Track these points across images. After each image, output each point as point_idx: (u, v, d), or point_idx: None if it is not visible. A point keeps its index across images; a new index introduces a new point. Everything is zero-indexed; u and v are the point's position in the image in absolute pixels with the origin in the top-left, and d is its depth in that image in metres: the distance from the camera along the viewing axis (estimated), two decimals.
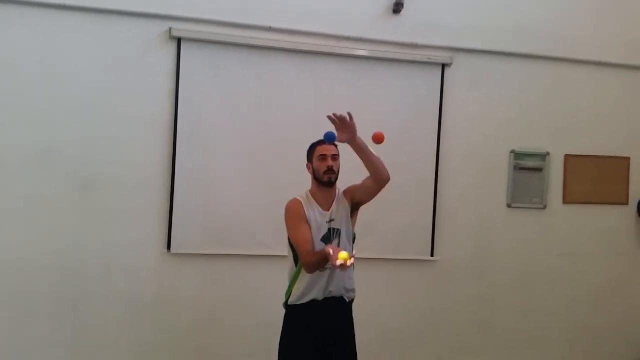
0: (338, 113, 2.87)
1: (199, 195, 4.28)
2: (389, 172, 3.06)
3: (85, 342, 4.15)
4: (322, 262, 2.90)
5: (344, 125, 2.90)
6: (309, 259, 2.95)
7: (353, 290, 3.21)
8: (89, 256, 4.14)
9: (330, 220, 3.11)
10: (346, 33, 4.52)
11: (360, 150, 2.97)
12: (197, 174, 4.28)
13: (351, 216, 3.19)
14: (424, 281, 4.76)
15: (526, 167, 4.95)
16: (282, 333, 3.17)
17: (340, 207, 3.16)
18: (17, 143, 4.00)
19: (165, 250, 4.25)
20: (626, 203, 5.15)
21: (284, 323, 3.18)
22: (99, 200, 4.14)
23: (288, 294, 3.15)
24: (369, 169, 3.03)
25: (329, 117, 2.90)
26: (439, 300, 4.79)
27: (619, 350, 5.15)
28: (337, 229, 3.13)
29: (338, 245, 3.09)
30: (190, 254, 4.29)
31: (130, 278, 4.21)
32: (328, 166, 3.09)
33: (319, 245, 3.07)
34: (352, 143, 2.94)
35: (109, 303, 4.17)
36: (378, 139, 2.93)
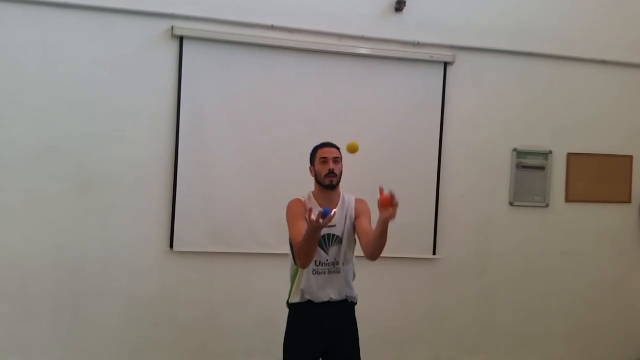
0: (392, 192, 2.73)
1: (201, 193, 4.29)
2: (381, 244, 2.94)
3: (86, 340, 4.16)
4: (309, 242, 2.83)
5: (391, 204, 2.78)
6: (297, 247, 2.92)
7: (354, 297, 3.21)
8: (91, 254, 4.15)
9: (330, 226, 3.04)
10: (348, 31, 4.52)
11: (383, 229, 2.84)
12: (200, 172, 4.28)
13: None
14: (425, 279, 4.76)
15: (528, 165, 4.94)
16: (285, 331, 3.18)
17: (344, 214, 3.13)
18: (19, 140, 4.02)
19: (168, 248, 4.26)
20: (629, 201, 5.14)
21: (287, 322, 3.19)
22: (101, 198, 4.15)
23: (289, 293, 3.17)
24: (371, 242, 2.93)
25: (380, 187, 2.78)
26: (440, 299, 4.79)
27: (619, 349, 5.14)
28: (337, 236, 3.10)
29: (338, 252, 3.09)
30: (193, 252, 4.30)
31: (132, 276, 4.22)
32: (329, 169, 3.07)
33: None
34: (384, 222, 2.81)
35: (110, 301, 4.19)
36: (385, 203, 2.77)
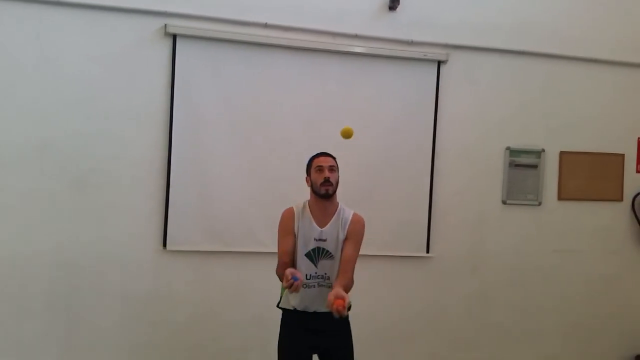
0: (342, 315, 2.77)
1: (194, 192, 4.27)
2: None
3: (80, 339, 4.14)
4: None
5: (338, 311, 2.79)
6: (279, 271, 3.02)
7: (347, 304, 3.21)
8: (84, 253, 4.12)
9: (320, 240, 3.07)
10: (342, 30, 4.51)
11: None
12: (193, 171, 4.27)
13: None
14: (419, 278, 4.77)
15: (521, 164, 4.96)
16: (279, 333, 3.18)
17: (337, 230, 3.11)
18: (13, 139, 3.98)
19: (161, 247, 4.25)
20: (621, 200, 5.17)
21: (280, 324, 3.20)
22: (95, 196, 4.13)
23: (280, 297, 3.17)
24: (334, 280, 3.06)
25: (347, 304, 2.81)
26: (434, 297, 4.80)
27: (613, 347, 5.17)
28: (328, 251, 3.09)
29: (329, 267, 3.09)
30: (186, 251, 4.28)
31: (125, 275, 4.20)
32: (325, 178, 3.05)
33: (301, 259, 3.07)
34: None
35: (104, 300, 4.17)
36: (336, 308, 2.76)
